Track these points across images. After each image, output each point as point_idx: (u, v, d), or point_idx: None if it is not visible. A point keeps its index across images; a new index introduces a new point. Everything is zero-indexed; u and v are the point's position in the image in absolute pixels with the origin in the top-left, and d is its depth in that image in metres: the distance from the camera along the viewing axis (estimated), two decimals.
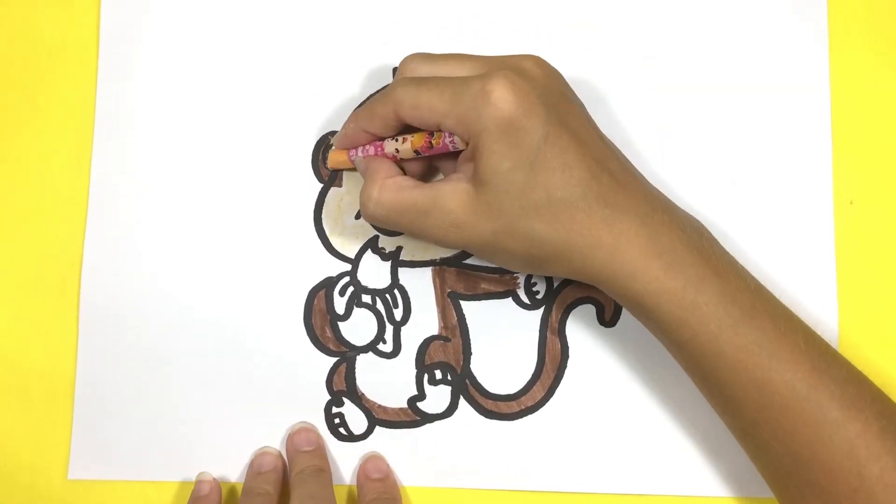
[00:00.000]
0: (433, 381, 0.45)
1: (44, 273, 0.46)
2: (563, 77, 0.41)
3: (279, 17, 0.47)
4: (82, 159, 0.47)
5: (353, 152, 0.43)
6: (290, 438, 0.44)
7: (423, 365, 0.45)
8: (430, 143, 0.40)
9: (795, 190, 0.44)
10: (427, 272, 0.45)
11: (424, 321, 0.45)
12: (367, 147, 0.42)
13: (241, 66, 0.47)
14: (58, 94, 0.47)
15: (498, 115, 0.37)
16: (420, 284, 0.45)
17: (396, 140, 0.41)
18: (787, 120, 0.45)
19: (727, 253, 0.39)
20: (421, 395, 0.45)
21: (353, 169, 0.43)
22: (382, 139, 0.41)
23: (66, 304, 0.46)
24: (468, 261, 0.45)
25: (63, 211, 0.46)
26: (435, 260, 0.45)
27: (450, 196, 0.38)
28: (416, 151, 0.40)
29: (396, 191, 0.40)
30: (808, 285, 0.44)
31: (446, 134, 0.39)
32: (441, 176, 0.44)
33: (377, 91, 0.46)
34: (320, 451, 0.44)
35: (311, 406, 0.45)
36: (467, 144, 0.38)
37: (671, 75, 0.45)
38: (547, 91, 0.38)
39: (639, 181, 0.39)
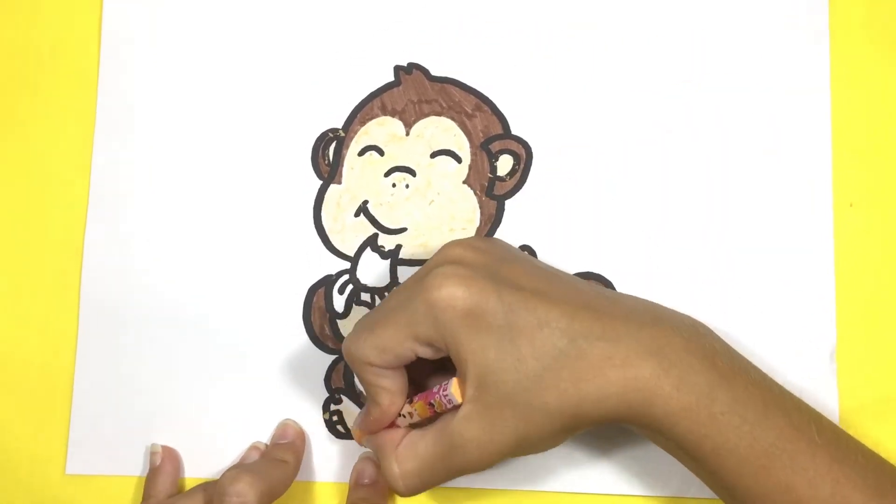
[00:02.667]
0: None
1: (44, 269, 0.46)
2: (488, 240, 0.40)
3: (279, 15, 0.47)
4: (83, 155, 0.47)
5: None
6: (273, 431, 0.45)
7: None
8: (435, 411, 0.38)
9: (795, 192, 0.44)
10: None
11: None
12: None
13: (241, 63, 0.47)
14: (59, 92, 0.47)
15: (457, 311, 0.36)
16: None
17: (404, 416, 0.39)
18: (788, 122, 0.45)
19: (722, 342, 0.38)
20: None
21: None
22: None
23: (66, 299, 0.46)
24: None
25: (64, 207, 0.47)
26: None
27: (461, 429, 0.37)
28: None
29: (412, 454, 0.38)
30: (807, 288, 0.44)
31: (441, 392, 0.37)
32: None
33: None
34: (293, 445, 0.44)
35: (308, 403, 0.45)
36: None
37: (671, 76, 0.45)
38: (483, 266, 0.37)
39: (612, 299, 0.38)
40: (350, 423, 0.45)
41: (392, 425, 0.40)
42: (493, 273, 0.37)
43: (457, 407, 0.37)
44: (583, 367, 0.35)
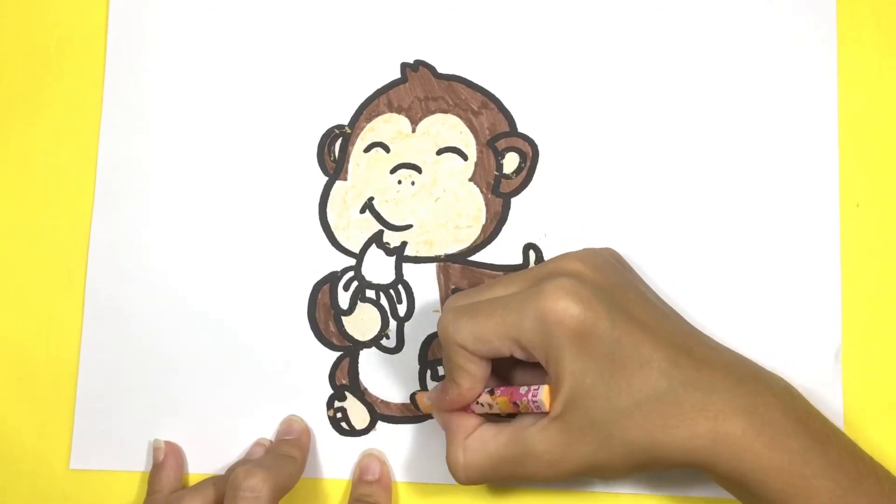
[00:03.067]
0: (436, 377, 0.45)
1: (50, 263, 0.46)
2: (608, 257, 0.40)
3: (287, 10, 0.47)
4: (89, 149, 0.47)
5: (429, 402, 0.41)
6: (278, 427, 0.45)
7: (426, 361, 0.45)
8: (518, 410, 0.38)
9: (801, 192, 0.44)
10: (431, 268, 0.45)
11: (428, 317, 0.45)
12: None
13: (247, 59, 0.47)
14: (65, 84, 0.47)
15: (568, 329, 0.35)
16: (424, 280, 0.45)
17: (482, 405, 0.39)
18: (794, 122, 0.44)
19: (813, 406, 0.38)
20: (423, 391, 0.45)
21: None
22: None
23: (71, 293, 0.46)
24: (472, 257, 0.45)
25: (70, 201, 0.47)
26: (440, 256, 0.45)
27: (538, 440, 0.37)
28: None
29: (481, 448, 0.38)
30: (812, 289, 0.44)
31: (530, 396, 0.37)
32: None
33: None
34: (298, 441, 0.44)
35: (312, 400, 0.45)
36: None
37: (678, 75, 0.45)
38: (602, 287, 0.37)
39: (711, 347, 0.38)
40: (354, 421, 0.45)
41: (465, 408, 0.40)
42: (609, 297, 0.37)
43: (543, 414, 0.37)
44: (675, 412, 0.35)
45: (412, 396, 0.44)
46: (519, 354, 0.37)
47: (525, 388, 0.38)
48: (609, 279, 0.38)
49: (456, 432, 0.39)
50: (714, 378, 0.36)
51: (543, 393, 0.37)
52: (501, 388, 0.39)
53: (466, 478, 0.39)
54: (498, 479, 0.38)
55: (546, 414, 0.37)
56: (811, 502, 0.35)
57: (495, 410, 0.39)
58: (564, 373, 0.36)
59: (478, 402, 0.39)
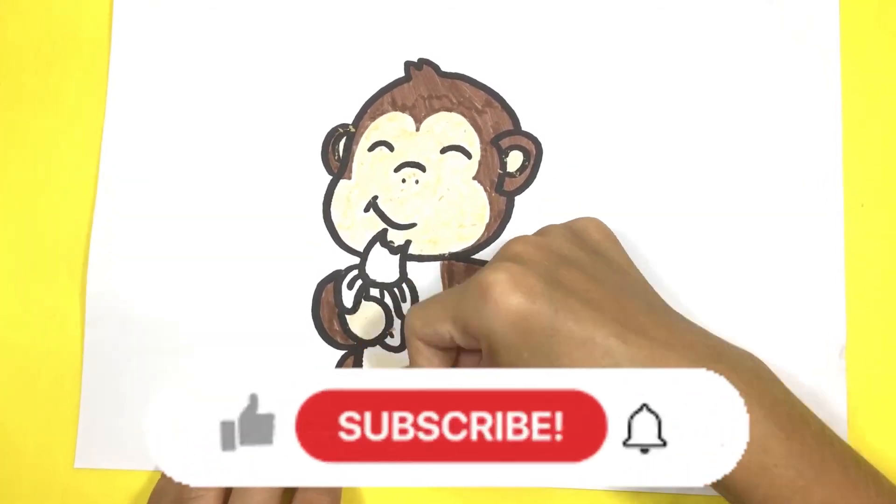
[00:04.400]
0: None
1: (51, 261, 0.46)
2: (555, 237, 0.39)
3: (291, 9, 0.47)
4: (92, 145, 0.47)
5: None
6: None
7: None
8: None
9: (806, 192, 0.44)
10: (436, 266, 0.45)
11: None
12: None
13: (252, 57, 0.47)
14: (70, 78, 0.48)
15: (500, 309, 0.36)
16: (428, 279, 0.45)
17: None
18: (798, 121, 0.44)
19: (783, 387, 0.37)
20: None
21: None
22: None
23: (73, 292, 0.46)
24: (476, 256, 0.45)
25: (71, 197, 0.47)
26: (444, 255, 0.45)
27: None
28: None
29: None
30: (817, 287, 0.44)
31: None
32: None
33: None
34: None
35: None
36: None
37: (681, 75, 0.45)
38: (541, 265, 0.37)
39: (674, 327, 0.37)
40: None
41: None
42: (550, 274, 0.36)
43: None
44: None
45: None
46: (458, 339, 0.38)
47: None
48: (552, 257, 0.38)
49: None
50: (668, 358, 0.35)
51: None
52: None
53: None
54: None
55: None
56: (772, 492, 0.34)
57: None
58: (500, 348, 0.36)
59: None
